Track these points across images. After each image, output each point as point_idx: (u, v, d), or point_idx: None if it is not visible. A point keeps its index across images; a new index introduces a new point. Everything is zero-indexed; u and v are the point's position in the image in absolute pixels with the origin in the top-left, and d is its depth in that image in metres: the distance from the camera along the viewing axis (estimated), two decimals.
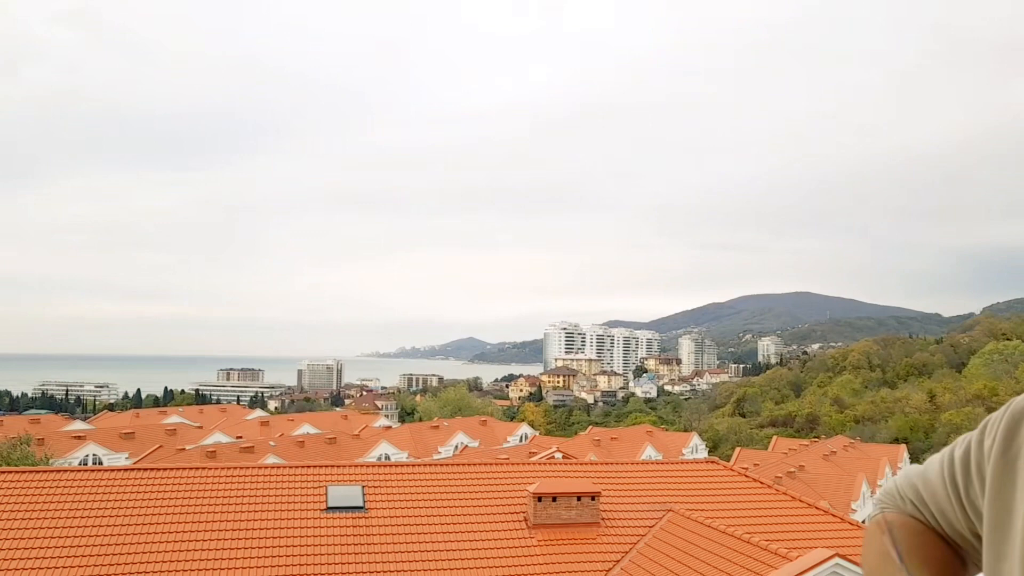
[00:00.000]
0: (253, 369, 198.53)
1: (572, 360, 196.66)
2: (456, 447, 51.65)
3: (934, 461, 1.22)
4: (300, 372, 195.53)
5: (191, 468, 17.70)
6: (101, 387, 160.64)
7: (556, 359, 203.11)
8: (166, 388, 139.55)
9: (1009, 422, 1.11)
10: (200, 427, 55.30)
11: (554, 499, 16.62)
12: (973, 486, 1.14)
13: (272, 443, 43.49)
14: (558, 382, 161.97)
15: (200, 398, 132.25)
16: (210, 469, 17.58)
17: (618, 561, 15.16)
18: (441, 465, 21.38)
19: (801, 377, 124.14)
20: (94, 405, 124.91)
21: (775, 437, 63.85)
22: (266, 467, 19.51)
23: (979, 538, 1.13)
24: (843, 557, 11.96)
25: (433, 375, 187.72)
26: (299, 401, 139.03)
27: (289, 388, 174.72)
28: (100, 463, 39.94)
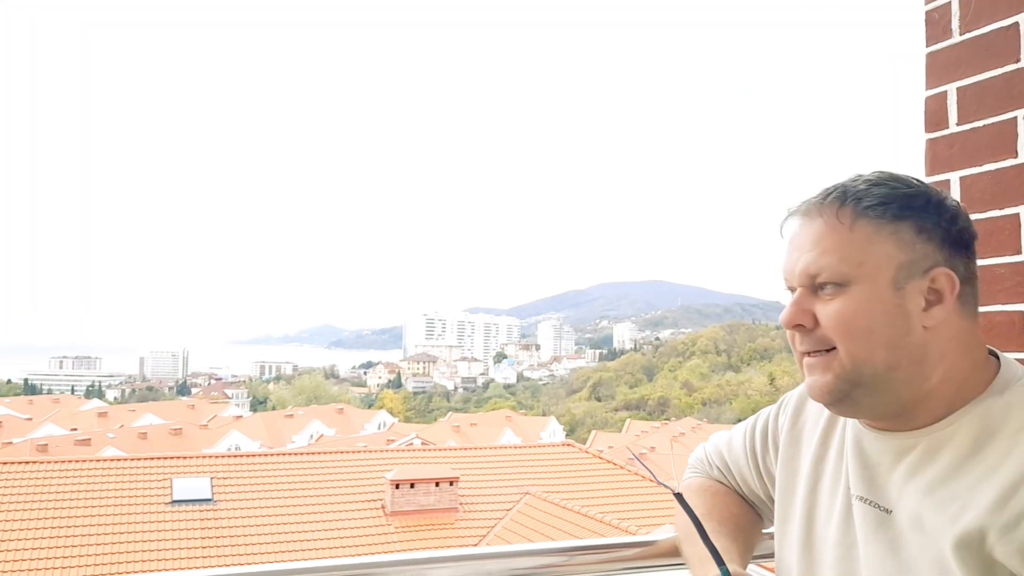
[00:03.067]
0: (89, 357, 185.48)
1: (432, 346, 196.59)
2: (312, 436, 50.53)
3: (738, 431, 1.40)
4: (142, 360, 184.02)
5: (20, 463, 16.42)
6: None
7: (416, 345, 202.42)
8: None
9: (799, 399, 1.28)
10: (30, 419, 51.37)
11: (412, 486, 16.60)
12: (769, 454, 1.31)
13: (111, 435, 40.97)
14: (418, 369, 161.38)
15: (29, 388, 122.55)
16: (41, 463, 16.38)
17: (476, 544, 15.30)
18: (295, 454, 20.84)
19: (654, 362, 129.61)
20: None
21: (629, 420, 66.36)
22: (104, 460, 18.37)
23: (772, 499, 1.30)
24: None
25: (287, 362, 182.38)
26: (141, 390, 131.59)
27: (130, 377, 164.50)
28: None
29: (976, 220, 1.49)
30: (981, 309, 1.47)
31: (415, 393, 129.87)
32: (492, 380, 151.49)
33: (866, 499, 1.08)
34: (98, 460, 18.15)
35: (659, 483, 1.27)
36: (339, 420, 57.77)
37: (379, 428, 57.15)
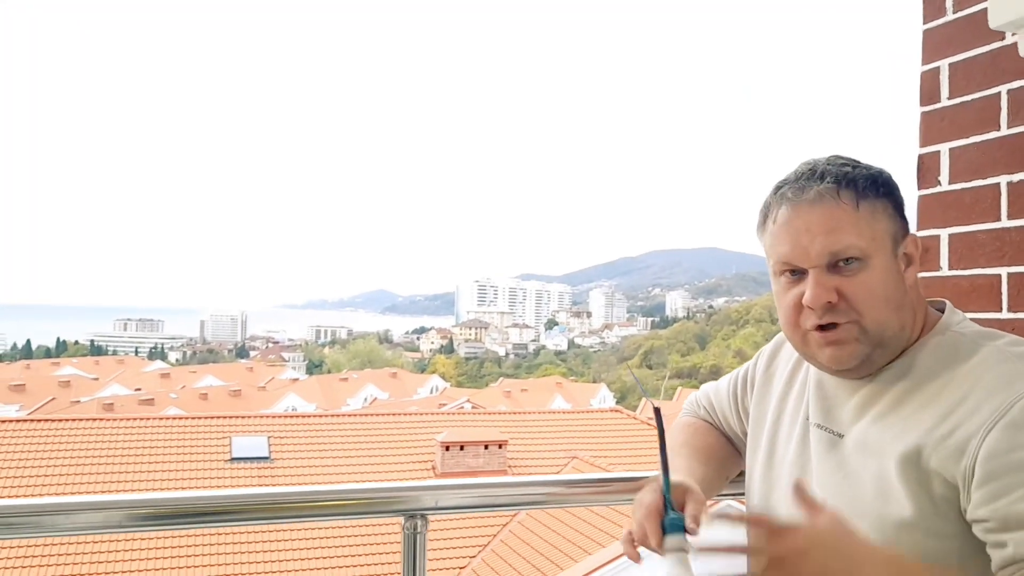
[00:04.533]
0: (152, 319, 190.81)
1: (484, 313, 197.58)
2: (366, 399, 51.48)
3: (725, 379, 1.62)
4: (203, 323, 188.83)
5: (87, 419, 17.19)
6: None
7: (468, 312, 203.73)
8: (58, 339, 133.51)
9: (773, 348, 1.50)
10: (96, 379, 53.34)
11: (461, 448, 16.92)
12: (747, 396, 1.50)
13: (173, 395, 42.39)
14: (470, 334, 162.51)
15: (95, 349, 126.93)
16: (107, 420, 17.11)
17: (514, 515, 15.54)
18: (349, 416, 21.38)
19: (706, 330, 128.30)
20: None
21: (680, 388, 66.03)
22: (167, 418, 19.12)
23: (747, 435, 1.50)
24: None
25: (342, 327, 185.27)
26: (202, 352, 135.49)
27: (191, 339, 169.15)
28: None
29: (962, 189, 1.59)
30: (963, 272, 1.59)
31: (467, 358, 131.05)
32: (543, 346, 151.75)
33: (822, 426, 1.27)
34: (161, 418, 18.91)
35: (645, 396, 1.44)
36: (392, 384, 58.71)
37: (431, 392, 57.94)
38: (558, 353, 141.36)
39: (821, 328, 1.18)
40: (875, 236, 1.17)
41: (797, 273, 1.20)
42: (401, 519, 1.36)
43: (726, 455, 1.54)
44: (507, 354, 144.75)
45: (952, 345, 1.18)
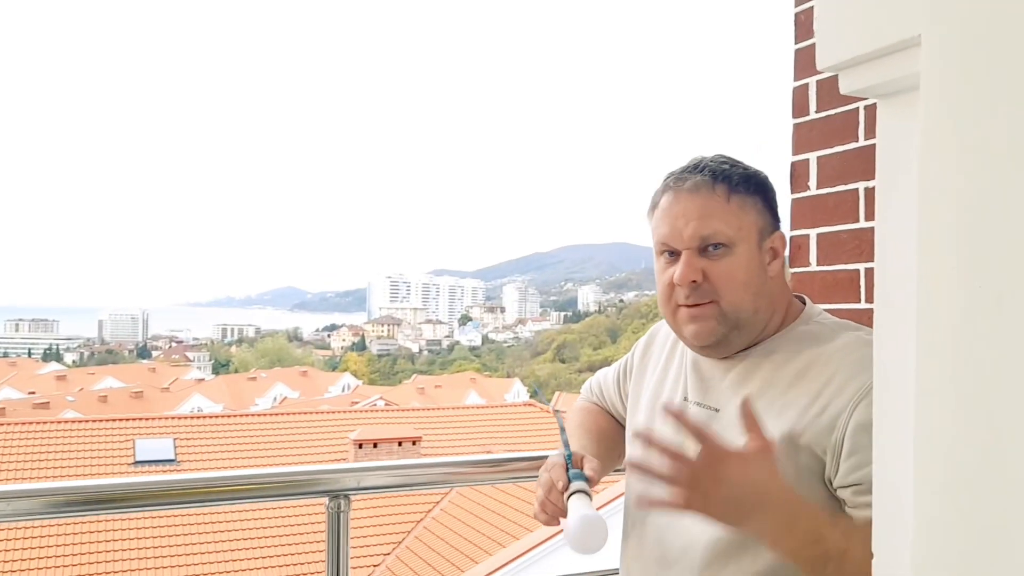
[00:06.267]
0: (46, 319, 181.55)
1: (397, 309, 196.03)
2: (275, 398, 50.48)
3: (613, 365, 1.77)
4: (101, 322, 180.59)
5: None
6: None
7: (380, 308, 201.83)
8: None
9: (647, 339, 1.66)
10: None
11: (375, 445, 16.85)
12: (627, 382, 1.66)
13: (70, 398, 40.59)
14: (382, 331, 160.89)
15: None
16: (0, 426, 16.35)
17: (438, 502, 15.68)
18: (258, 416, 21.01)
19: (617, 324, 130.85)
20: None
21: None
22: (65, 421, 18.35)
23: None
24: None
25: (250, 325, 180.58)
26: (100, 353, 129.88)
27: (88, 340, 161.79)
28: None
29: (827, 193, 1.79)
30: (828, 268, 1.80)
31: (379, 356, 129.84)
32: (457, 342, 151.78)
33: (700, 403, 1.41)
34: (58, 422, 18.11)
35: (542, 402, 1.60)
36: (303, 383, 57.73)
37: (343, 390, 57.22)
38: (472, 349, 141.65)
39: (688, 305, 1.34)
40: (742, 227, 1.33)
41: (673, 254, 1.36)
42: (325, 500, 1.46)
43: (616, 435, 1.69)
44: (420, 350, 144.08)
45: (814, 333, 1.34)
